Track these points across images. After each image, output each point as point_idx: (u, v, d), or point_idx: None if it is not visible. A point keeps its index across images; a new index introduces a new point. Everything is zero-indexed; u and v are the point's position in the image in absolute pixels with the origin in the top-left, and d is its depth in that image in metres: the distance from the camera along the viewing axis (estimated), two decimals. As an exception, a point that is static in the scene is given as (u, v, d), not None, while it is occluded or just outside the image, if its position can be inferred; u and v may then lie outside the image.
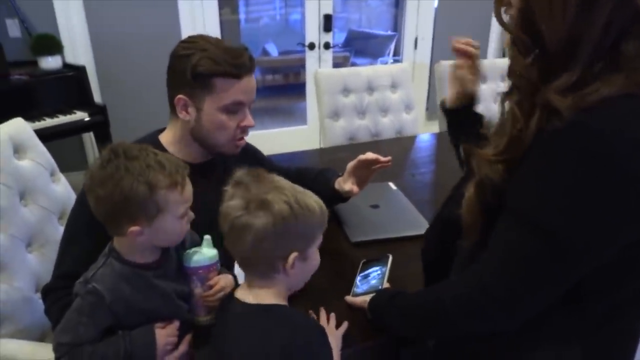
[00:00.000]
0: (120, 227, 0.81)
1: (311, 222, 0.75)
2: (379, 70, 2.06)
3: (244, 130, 1.09)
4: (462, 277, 0.69)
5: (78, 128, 2.54)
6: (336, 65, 3.92)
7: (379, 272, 1.07)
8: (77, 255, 0.95)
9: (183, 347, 0.90)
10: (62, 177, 1.36)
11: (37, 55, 2.48)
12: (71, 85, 2.55)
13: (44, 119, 2.40)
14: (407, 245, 1.22)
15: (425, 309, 0.75)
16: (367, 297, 0.95)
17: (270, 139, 3.65)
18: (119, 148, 0.82)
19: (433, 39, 3.83)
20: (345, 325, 0.95)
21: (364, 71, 2.05)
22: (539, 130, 0.60)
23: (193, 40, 1.02)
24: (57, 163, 1.36)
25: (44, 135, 2.33)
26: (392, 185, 1.53)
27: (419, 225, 1.29)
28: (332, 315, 0.98)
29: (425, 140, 2.11)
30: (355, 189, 1.18)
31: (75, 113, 2.51)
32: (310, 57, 3.55)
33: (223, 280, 0.91)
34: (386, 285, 1.01)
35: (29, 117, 2.34)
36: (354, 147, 1.95)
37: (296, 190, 0.76)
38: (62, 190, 1.35)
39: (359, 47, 5.58)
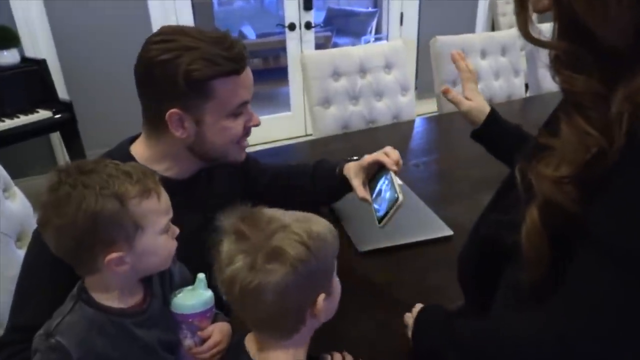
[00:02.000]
0: (93, 260, 0.67)
1: (329, 252, 0.63)
2: (371, 49, 1.88)
3: (249, 131, 0.93)
4: (531, 319, 0.54)
5: (43, 128, 2.32)
6: (318, 46, 3.72)
7: (386, 183, 0.96)
8: (36, 303, 0.78)
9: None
10: (17, 192, 1.17)
11: (-9, 50, 2.24)
12: (32, 82, 2.33)
13: (3, 120, 2.18)
14: (426, 252, 1.07)
15: (485, 346, 0.60)
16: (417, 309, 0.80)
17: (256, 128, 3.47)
18: (69, 166, 0.68)
19: (419, 14, 3.65)
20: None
21: (355, 51, 1.86)
22: (629, 140, 0.45)
23: (169, 38, 0.82)
24: (24, 168, 1.16)
25: (4, 138, 2.16)
26: (395, 178, 1.37)
27: (436, 226, 1.14)
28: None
29: (423, 125, 1.95)
30: (366, 195, 1.02)
31: (38, 112, 2.29)
32: (291, 39, 3.35)
33: (218, 333, 0.76)
34: (401, 196, 0.89)
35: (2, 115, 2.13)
36: (348, 137, 1.79)
37: (301, 221, 0.62)
38: (18, 208, 1.15)
39: (340, 25, 5.37)
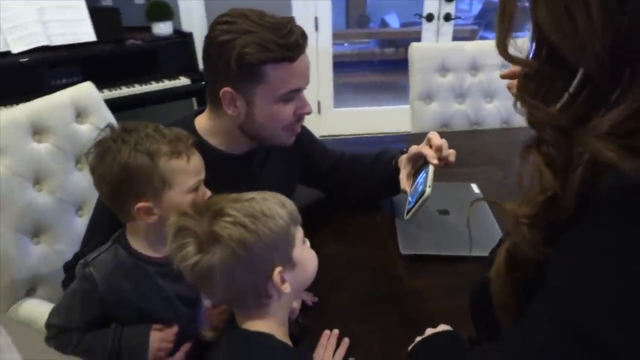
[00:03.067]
0: (127, 206, 0.76)
1: (277, 227, 0.62)
2: (488, 46, 1.72)
3: (301, 117, 0.96)
4: (484, 354, 0.48)
5: (181, 93, 2.63)
6: (460, 40, 3.52)
7: (424, 176, 0.94)
8: (99, 240, 0.91)
9: (179, 355, 0.81)
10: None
11: (151, 22, 2.59)
12: (179, 52, 2.63)
13: (151, 83, 2.52)
14: (473, 270, 0.97)
15: None
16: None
17: (379, 117, 3.46)
18: (117, 125, 0.78)
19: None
20: (345, 345, 0.80)
21: (468, 46, 1.73)
22: (585, 188, 0.38)
23: (231, 20, 0.87)
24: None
25: (149, 99, 2.50)
26: (474, 187, 1.26)
27: (495, 242, 1.03)
28: (344, 341, 0.81)
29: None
30: (406, 187, 0.98)
31: (179, 79, 2.59)
32: (427, 30, 3.23)
33: None
34: (428, 190, 0.87)
35: (141, 81, 2.48)
36: (448, 137, 1.67)
37: (244, 200, 0.63)
38: (86, 179, 1.32)
39: (493, 19, 4.97)
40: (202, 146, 0.94)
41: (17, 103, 2.08)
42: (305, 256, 0.68)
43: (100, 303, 0.77)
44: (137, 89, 2.45)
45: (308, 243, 0.71)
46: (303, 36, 0.89)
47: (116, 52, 2.46)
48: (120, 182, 0.74)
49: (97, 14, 2.43)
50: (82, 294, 0.77)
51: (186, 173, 0.76)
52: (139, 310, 0.79)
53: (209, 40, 0.89)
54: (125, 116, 2.31)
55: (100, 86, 2.34)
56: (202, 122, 0.99)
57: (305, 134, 1.14)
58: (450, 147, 1.02)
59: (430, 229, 1.07)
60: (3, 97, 2.13)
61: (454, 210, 1.15)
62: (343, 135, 3.39)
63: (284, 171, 1.09)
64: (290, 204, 0.66)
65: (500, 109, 1.77)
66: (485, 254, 1.00)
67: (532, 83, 0.42)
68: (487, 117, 1.77)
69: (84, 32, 2.39)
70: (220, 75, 0.89)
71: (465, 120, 1.78)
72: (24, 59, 2.19)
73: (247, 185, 1.00)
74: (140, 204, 0.74)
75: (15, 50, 2.20)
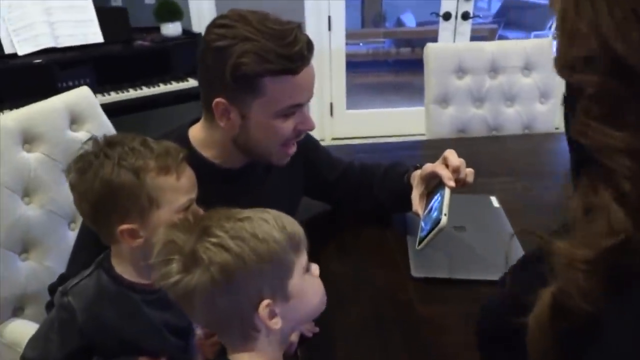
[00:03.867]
0: (110, 228, 0.69)
1: (269, 253, 0.55)
2: (510, 46, 1.62)
3: (300, 134, 0.87)
4: None
5: (189, 96, 2.56)
6: (478, 39, 3.40)
7: (439, 200, 0.86)
8: (84, 261, 0.84)
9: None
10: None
11: (160, 22, 2.53)
12: (188, 53, 2.57)
13: (159, 85, 2.46)
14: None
15: None
16: None
17: (393, 119, 3.36)
18: (101, 137, 0.72)
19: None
20: None
21: (488, 47, 1.63)
22: None
23: (230, 23, 0.78)
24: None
25: (155, 101, 2.45)
26: (494, 200, 1.16)
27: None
28: None
29: (561, 140, 1.62)
30: (419, 210, 0.89)
31: (188, 80, 2.53)
32: (444, 29, 3.12)
33: None
34: (444, 218, 0.80)
35: (148, 83, 2.43)
36: (465, 143, 1.59)
37: (237, 219, 0.56)
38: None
39: (513, 18, 4.84)
40: (195, 159, 0.87)
41: (23, 106, 2.06)
42: (307, 288, 0.60)
43: (79, 335, 0.70)
44: (145, 91, 2.40)
45: (315, 271, 0.62)
46: (309, 46, 0.80)
47: (124, 54, 2.42)
48: (102, 201, 0.68)
49: (105, 15, 2.39)
50: (60, 324, 0.71)
51: (176, 191, 0.70)
52: (123, 341, 0.73)
53: (204, 43, 0.81)
54: (133, 119, 2.29)
55: (108, 88, 2.36)
56: (197, 132, 0.92)
57: (311, 141, 1.06)
58: (467, 154, 0.93)
59: (445, 248, 0.98)
60: (8, 100, 2.10)
61: (472, 227, 1.05)
62: (355, 137, 3.31)
63: (287, 184, 1.01)
64: (292, 227, 0.58)
65: (522, 113, 1.67)
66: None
67: (597, 104, 0.33)
68: (506, 122, 1.67)
69: (91, 33, 2.34)
70: (214, 83, 0.81)
71: (484, 125, 1.68)
72: (30, 61, 2.15)
73: (247, 201, 0.93)
74: (125, 226, 0.68)
75: (21, 52, 2.17)
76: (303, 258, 0.60)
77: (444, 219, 0.79)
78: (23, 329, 0.96)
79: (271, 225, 0.56)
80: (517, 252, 0.94)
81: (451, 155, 0.90)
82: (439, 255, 0.96)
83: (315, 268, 0.63)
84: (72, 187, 0.71)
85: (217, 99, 0.81)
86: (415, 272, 0.93)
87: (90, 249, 0.82)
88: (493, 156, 1.45)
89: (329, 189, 1.09)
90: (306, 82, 0.81)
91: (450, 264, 0.94)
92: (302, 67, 0.79)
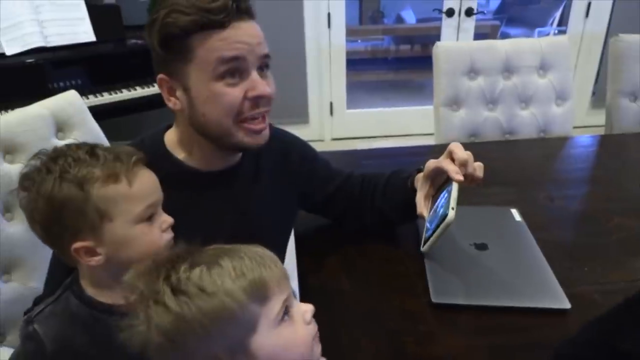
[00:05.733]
0: (64, 248, 0.63)
1: (219, 310, 0.46)
2: (524, 44, 1.53)
3: (256, 103, 0.75)
4: None
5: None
6: (481, 36, 3.32)
7: (445, 196, 0.81)
8: (59, 281, 0.76)
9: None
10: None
11: (154, 19, 2.43)
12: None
13: (153, 86, 2.36)
14: (522, 325, 0.79)
15: None
16: None
17: (394, 118, 3.28)
18: (47, 150, 0.65)
19: (614, 4, 2.98)
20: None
21: (501, 46, 1.54)
22: None
23: (160, 1, 0.73)
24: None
25: (149, 103, 2.35)
26: (515, 213, 1.07)
27: (549, 291, 0.84)
28: None
29: (581, 145, 1.54)
30: (424, 211, 0.85)
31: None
32: (448, 26, 3.04)
33: None
34: (451, 212, 0.75)
35: (143, 83, 2.33)
36: (478, 147, 1.49)
37: (193, 261, 0.48)
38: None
39: (514, 14, 4.76)
40: (169, 163, 0.81)
41: (12, 108, 1.96)
42: (282, 341, 0.50)
43: None
44: (139, 92, 2.31)
45: (303, 315, 0.52)
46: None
47: (117, 53, 2.33)
48: (49, 219, 0.61)
49: (97, 12, 2.29)
50: (26, 357, 0.64)
51: (129, 199, 0.62)
52: None
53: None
54: (126, 122, 2.20)
55: (100, 89, 2.27)
56: (171, 133, 0.84)
57: (308, 151, 0.98)
58: (480, 160, 0.86)
59: (466, 269, 0.89)
60: (-4, 102, 2.00)
61: (494, 244, 0.96)
62: (356, 138, 3.22)
63: (279, 194, 0.92)
64: (256, 272, 0.48)
65: (537, 116, 1.58)
66: (536, 304, 0.84)
67: None
68: (521, 126, 1.59)
69: (82, 31, 2.25)
70: (155, 62, 0.76)
71: (497, 129, 1.59)
72: (19, 61, 2.05)
73: (232, 210, 0.85)
74: (78, 244, 0.62)
75: (9, 52, 2.07)
76: (275, 306, 0.50)
77: (451, 213, 0.73)
78: (5, 358, 0.88)
79: (225, 272, 0.47)
80: (543, 271, 0.88)
81: (457, 148, 0.83)
82: (460, 278, 0.87)
83: (303, 311, 0.53)
84: (22, 208, 0.64)
85: (159, 76, 0.76)
86: (436, 298, 0.84)
87: (65, 267, 0.73)
88: (508, 163, 1.36)
89: (326, 202, 1.00)
90: (237, 35, 0.72)
91: (472, 289, 0.85)
92: (228, 20, 0.71)
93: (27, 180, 0.63)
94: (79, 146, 0.64)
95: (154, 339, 0.45)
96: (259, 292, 0.48)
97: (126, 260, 0.64)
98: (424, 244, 0.81)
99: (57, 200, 0.60)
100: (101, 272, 0.65)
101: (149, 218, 0.65)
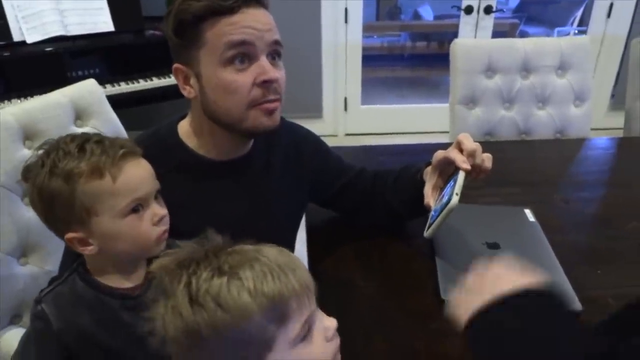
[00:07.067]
0: (61, 235, 0.66)
1: (232, 327, 0.44)
2: (544, 44, 1.51)
3: (267, 87, 0.76)
4: None
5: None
6: (500, 34, 3.28)
7: (452, 185, 0.81)
8: (69, 267, 0.78)
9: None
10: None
11: (172, 11, 2.45)
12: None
13: (170, 76, 2.38)
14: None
15: None
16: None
17: (409, 115, 3.26)
18: (49, 140, 0.67)
19: (637, 4, 2.93)
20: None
21: (521, 45, 1.52)
22: None
23: None
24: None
25: (166, 93, 2.37)
26: (528, 213, 1.07)
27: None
28: None
29: (598, 147, 1.52)
30: (430, 201, 0.86)
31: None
32: (466, 24, 3.01)
33: None
34: (455, 197, 0.75)
35: (160, 74, 2.35)
36: (493, 147, 1.48)
37: (218, 267, 0.46)
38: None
39: (534, 13, 4.69)
40: (184, 152, 0.82)
41: (32, 96, 1.99)
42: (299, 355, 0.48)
43: (57, 345, 0.65)
44: (156, 82, 2.33)
45: (325, 332, 0.50)
46: None
47: (135, 43, 2.35)
48: (45, 211, 0.64)
49: (116, 3, 2.31)
50: (36, 336, 0.67)
51: (113, 195, 0.63)
52: (104, 351, 0.67)
53: None
54: (143, 111, 2.22)
55: (118, 79, 2.29)
56: (185, 124, 0.85)
57: (317, 142, 0.99)
58: (495, 160, 0.85)
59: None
60: (16, 90, 2.03)
61: (506, 244, 0.96)
62: (370, 134, 3.21)
63: (292, 185, 0.93)
64: (277, 289, 0.45)
65: (554, 116, 1.56)
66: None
67: None
68: (538, 126, 1.57)
69: (102, 21, 2.27)
70: (172, 51, 0.79)
71: (513, 128, 1.58)
72: (39, 50, 2.08)
73: (243, 199, 0.86)
74: (70, 235, 0.64)
75: (29, 40, 2.10)
76: (295, 327, 0.47)
77: (454, 199, 0.73)
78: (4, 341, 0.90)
79: (245, 288, 0.44)
80: (555, 272, 0.86)
81: (465, 139, 0.83)
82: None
83: (325, 327, 0.50)
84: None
85: (174, 65, 0.78)
86: (445, 295, 0.84)
87: (75, 251, 0.76)
88: (524, 163, 1.35)
89: (339, 196, 1.01)
90: (245, 20, 0.74)
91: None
92: (238, 6, 0.73)
93: (27, 171, 0.65)
94: (73, 138, 0.65)
95: (169, 334, 0.46)
96: (278, 311, 0.46)
97: (120, 251, 0.66)
98: (427, 229, 0.81)
99: (47, 194, 0.62)
100: (99, 259, 0.67)
101: (138, 211, 0.65)
